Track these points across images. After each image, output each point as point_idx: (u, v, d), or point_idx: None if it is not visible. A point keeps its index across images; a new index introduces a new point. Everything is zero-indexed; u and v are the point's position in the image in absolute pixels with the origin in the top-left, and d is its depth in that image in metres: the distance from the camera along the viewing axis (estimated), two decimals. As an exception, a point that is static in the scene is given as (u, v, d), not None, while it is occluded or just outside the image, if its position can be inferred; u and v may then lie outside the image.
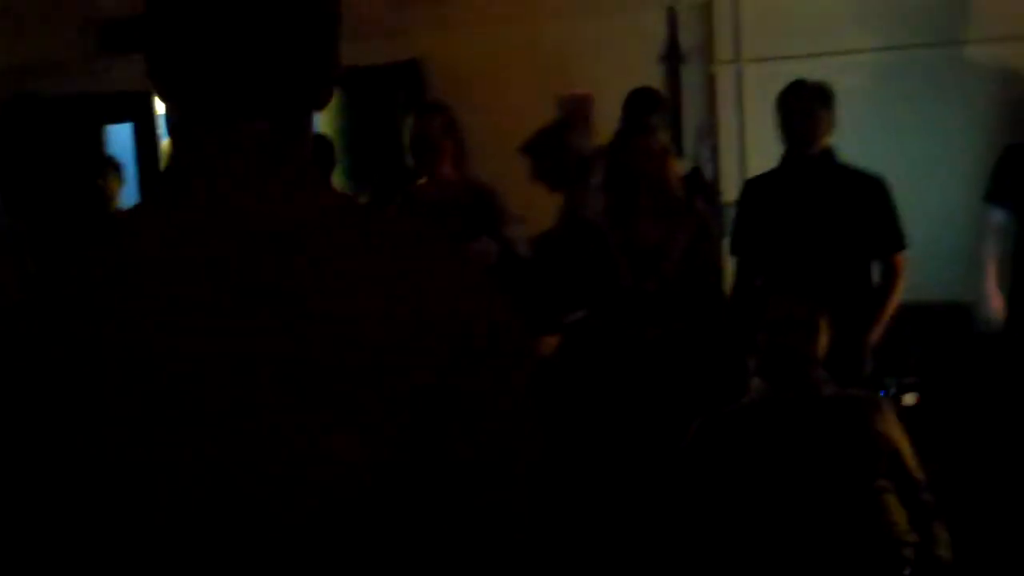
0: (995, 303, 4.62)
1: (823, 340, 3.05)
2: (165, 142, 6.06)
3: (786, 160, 4.09)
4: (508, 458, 1.01)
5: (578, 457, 3.75)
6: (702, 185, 5.20)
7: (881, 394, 3.73)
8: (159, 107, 6.05)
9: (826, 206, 3.95)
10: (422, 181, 4.34)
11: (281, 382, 0.96)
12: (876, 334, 3.95)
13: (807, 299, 3.12)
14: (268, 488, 0.97)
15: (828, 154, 4.04)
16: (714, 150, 5.80)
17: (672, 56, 5.86)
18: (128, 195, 5.86)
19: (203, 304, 0.99)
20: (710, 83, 5.85)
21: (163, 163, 5.86)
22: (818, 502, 2.76)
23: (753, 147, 5.66)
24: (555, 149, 4.07)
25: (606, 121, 5.39)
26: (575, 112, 5.80)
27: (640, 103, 4.75)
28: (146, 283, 1.00)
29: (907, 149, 5.29)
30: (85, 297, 1.03)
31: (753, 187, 4.21)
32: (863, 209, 3.97)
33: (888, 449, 2.86)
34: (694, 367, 3.78)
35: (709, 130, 5.85)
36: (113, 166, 5.69)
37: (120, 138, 6.15)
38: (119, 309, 1.00)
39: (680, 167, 4.93)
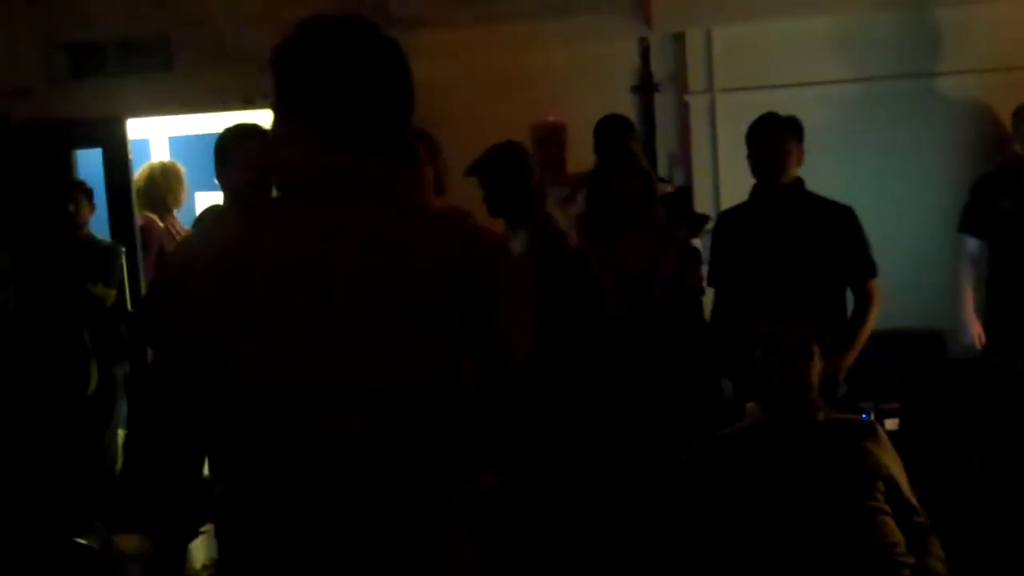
0: (974, 329, 4.68)
1: (817, 365, 3.06)
2: (145, 165, 6.05)
3: (757, 192, 4.14)
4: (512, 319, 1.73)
5: (569, 477, 3.75)
6: (687, 207, 5.22)
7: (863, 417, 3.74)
8: (129, 132, 6.01)
9: (797, 235, 3.99)
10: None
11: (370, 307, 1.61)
12: (849, 358, 3.97)
13: (803, 323, 3.13)
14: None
15: (798, 185, 4.09)
16: (688, 178, 5.82)
17: (645, 86, 5.90)
18: (98, 220, 5.80)
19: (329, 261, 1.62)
20: (683, 112, 5.89)
21: (143, 185, 5.84)
22: (815, 525, 2.76)
23: (726, 175, 5.70)
24: (508, 173, 4.01)
25: (579, 150, 5.44)
26: (548, 140, 5.85)
27: (612, 129, 4.77)
28: (299, 248, 1.62)
29: (880, 179, 5.36)
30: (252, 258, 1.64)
31: (726, 219, 4.27)
32: (833, 237, 4.01)
33: (883, 474, 2.86)
34: (677, 394, 3.78)
35: (682, 159, 5.88)
36: (83, 191, 5.62)
37: (89, 163, 6.08)
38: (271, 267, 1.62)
39: (665, 187, 4.96)
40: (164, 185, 5.96)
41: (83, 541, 5.10)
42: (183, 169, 6.22)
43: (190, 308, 1.66)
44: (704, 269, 4.12)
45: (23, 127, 5.74)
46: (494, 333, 1.70)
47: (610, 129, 4.77)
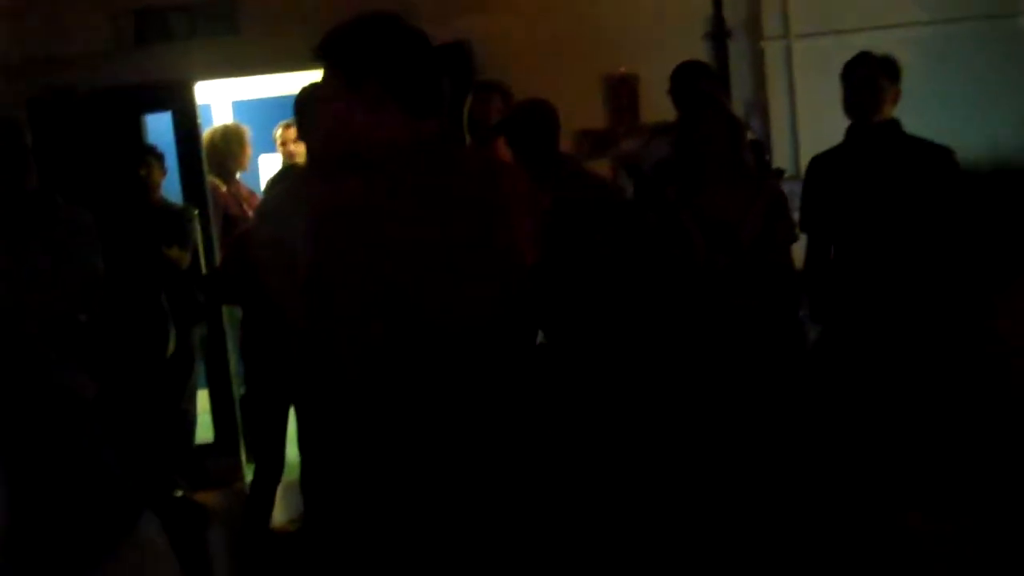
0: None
1: None
2: (207, 130, 6.05)
3: (851, 133, 4.00)
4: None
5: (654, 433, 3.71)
6: (760, 160, 5.09)
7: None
8: (199, 95, 5.99)
9: (895, 177, 3.85)
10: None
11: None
12: None
13: None
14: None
15: (893, 125, 3.95)
16: (765, 126, 5.70)
17: (718, 33, 5.76)
18: (170, 184, 5.80)
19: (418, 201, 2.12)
20: (758, 60, 5.75)
21: (205, 150, 5.84)
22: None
23: (805, 124, 5.58)
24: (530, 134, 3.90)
25: (651, 100, 5.33)
26: (620, 91, 5.75)
27: (690, 76, 4.64)
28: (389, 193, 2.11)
29: (966, 125, 5.18)
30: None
31: (819, 163, 4.11)
32: (932, 180, 3.87)
33: None
34: (763, 343, 3.71)
35: (758, 108, 5.75)
36: (155, 155, 5.62)
37: (158, 128, 6.07)
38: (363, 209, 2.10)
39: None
40: (226, 149, 5.94)
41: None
42: (247, 131, 6.21)
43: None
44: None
45: (91, 94, 5.73)
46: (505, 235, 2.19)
47: (688, 76, 4.65)
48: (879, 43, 4.94)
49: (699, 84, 4.45)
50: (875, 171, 3.88)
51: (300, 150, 5.34)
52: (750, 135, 5.18)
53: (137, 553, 1.08)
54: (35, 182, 3.89)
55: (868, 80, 3.92)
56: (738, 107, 5.70)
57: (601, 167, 5.12)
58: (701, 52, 5.66)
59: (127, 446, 4.89)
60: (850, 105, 3.97)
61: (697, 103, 3.88)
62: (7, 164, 3.70)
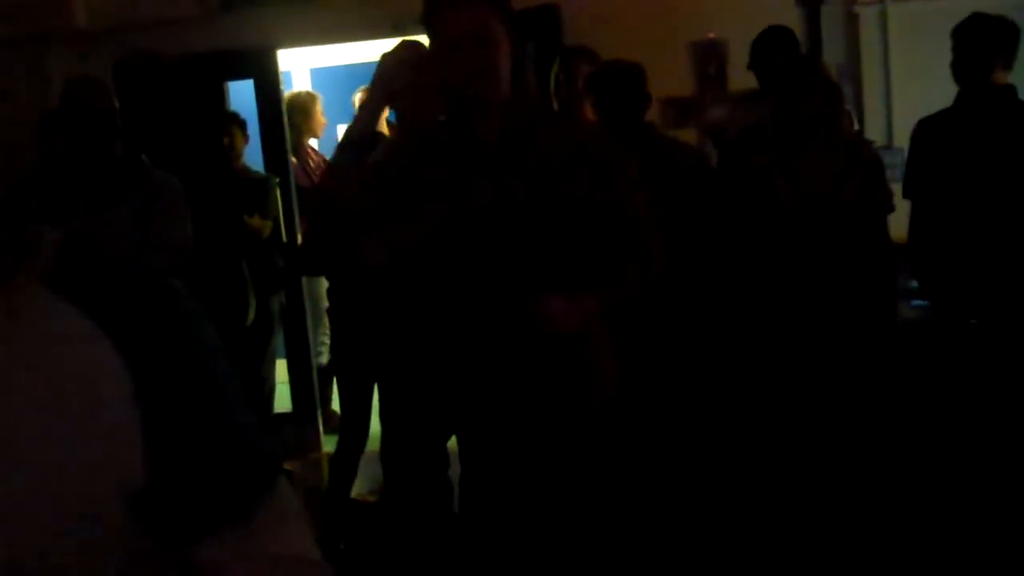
0: None
1: None
2: (287, 94, 6.03)
3: (961, 98, 3.81)
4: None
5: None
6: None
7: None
8: (282, 63, 5.96)
9: (1008, 144, 3.66)
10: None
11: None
12: None
13: None
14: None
15: (1008, 91, 3.75)
16: (858, 93, 5.51)
17: (810, -3, 5.57)
18: (251, 151, 5.80)
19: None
20: (852, 25, 5.56)
21: (285, 117, 5.82)
22: None
23: (899, 92, 5.40)
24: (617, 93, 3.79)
25: (741, 67, 5.16)
26: (708, 57, 5.59)
27: (772, 44, 4.47)
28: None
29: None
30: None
31: (926, 127, 3.91)
32: None
33: None
34: (857, 314, 3.60)
35: (851, 74, 5.56)
36: (238, 123, 5.62)
37: (241, 95, 6.07)
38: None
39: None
40: (298, 113, 5.93)
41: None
42: (318, 98, 6.19)
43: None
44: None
45: (176, 60, 5.74)
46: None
47: (769, 44, 4.48)
48: (979, 9, 4.76)
49: (790, 50, 4.29)
50: (989, 138, 3.69)
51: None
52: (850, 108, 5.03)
53: (278, 511, 1.06)
54: (121, 147, 3.90)
55: (980, 42, 3.72)
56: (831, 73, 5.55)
57: (687, 135, 5.01)
58: (792, 17, 5.47)
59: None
60: (960, 69, 3.77)
61: (795, 68, 3.73)
62: (95, 126, 3.71)
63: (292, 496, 1.11)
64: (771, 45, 4.44)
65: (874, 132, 5.47)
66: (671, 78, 5.50)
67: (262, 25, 5.82)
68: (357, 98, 6.09)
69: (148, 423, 0.97)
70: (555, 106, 4.17)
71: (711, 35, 5.53)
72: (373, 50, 4.29)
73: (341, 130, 6.85)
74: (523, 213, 2.27)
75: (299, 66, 7.52)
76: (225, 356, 1.10)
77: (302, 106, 6.00)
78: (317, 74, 7.68)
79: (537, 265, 2.25)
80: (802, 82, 3.62)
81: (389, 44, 3.76)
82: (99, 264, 1.01)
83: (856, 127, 4.55)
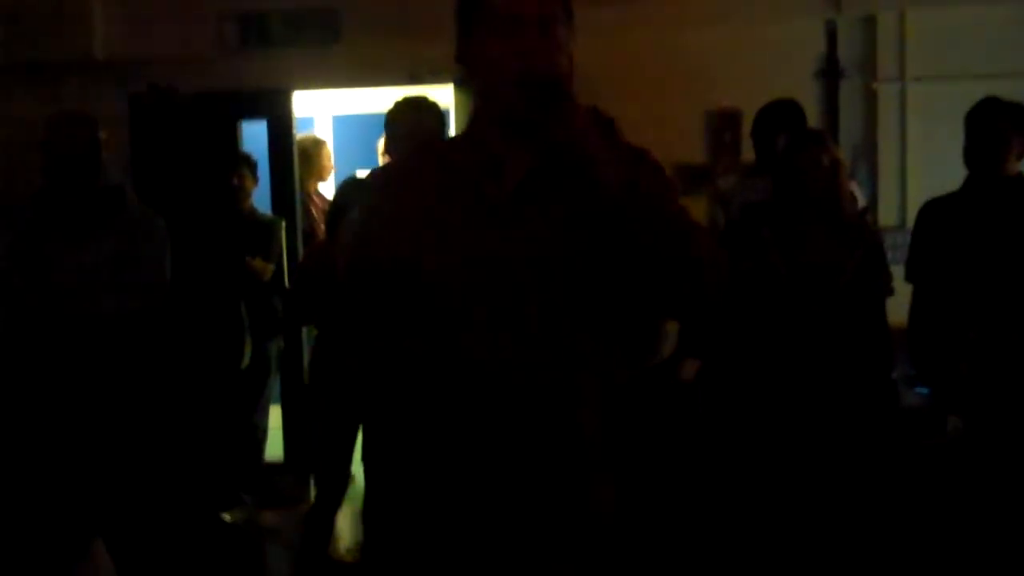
0: None
1: None
2: (300, 136, 6.02)
3: (971, 183, 3.73)
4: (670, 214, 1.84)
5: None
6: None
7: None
8: (296, 108, 5.95)
9: (1013, 234, 3.58)
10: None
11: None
12: None
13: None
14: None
15: (1018, 180, 3.67)
16: (873, 172, 5.46)
17: (831, 71, 5.54)
18: (261, 193, 5.77)
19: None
20: (871, 101, 5.51)
21: (298, 158, 5.81)
22: None
23: (915, 170, 5.35)
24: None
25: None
26: (723, 127, 5.56)
27: (775, 117, 4.40)
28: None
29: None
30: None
31: (933, 210, 3.82)
32: None
33: None
34: (852, 397, 3.52)
35: (868, 150, 5.51)
36: (248, 164, 5.60)
37: (254, 134, 6.06)
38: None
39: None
40: (303, 157, 5.93)
41: (228, 517, 5.13)
42: (325, 142, 6.19)
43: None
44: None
45: (191, 97, 5.73)
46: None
47: (772, 117, 4.39)
48: (999, 91, 4.70)
49: (795, 124, 4.23)
50: (997, 227, 3.60)
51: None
52: (855, 185, 4.97)
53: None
54: (112, 178, 3.91)
55: (993, 129, 3.64)
56: (847, 150, 5.49)
57: (698, 203, 4.95)
58: (811, 90, 5.46)
59: (192, 459, 4.86)
60: (971, 154, 3.69)
61: (798, 143, 3.67)
62: (79, 158, 3.71)
63: (105, 559, 1.08)
64: (773, 119, 4.37)
65: (887, 212, 5.41)
66: (685, 145, 5.47)
67: (278, 66, 5.82)
68: (380, 144, 6.08)
69: None
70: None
71: (727, 104, 5.49)
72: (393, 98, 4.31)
73: (362, 175, 6.91)
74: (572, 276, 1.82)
75: (322, 113, 7.53)
76: None
77: (307, 150, 5.99)
78: (339, 121, 7.69)
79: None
80: (804, 158, 3.56)
81: (407, 92, 3.80)
82: None
83: (862, 205, 4.49)
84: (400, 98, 3.68)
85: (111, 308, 3.61)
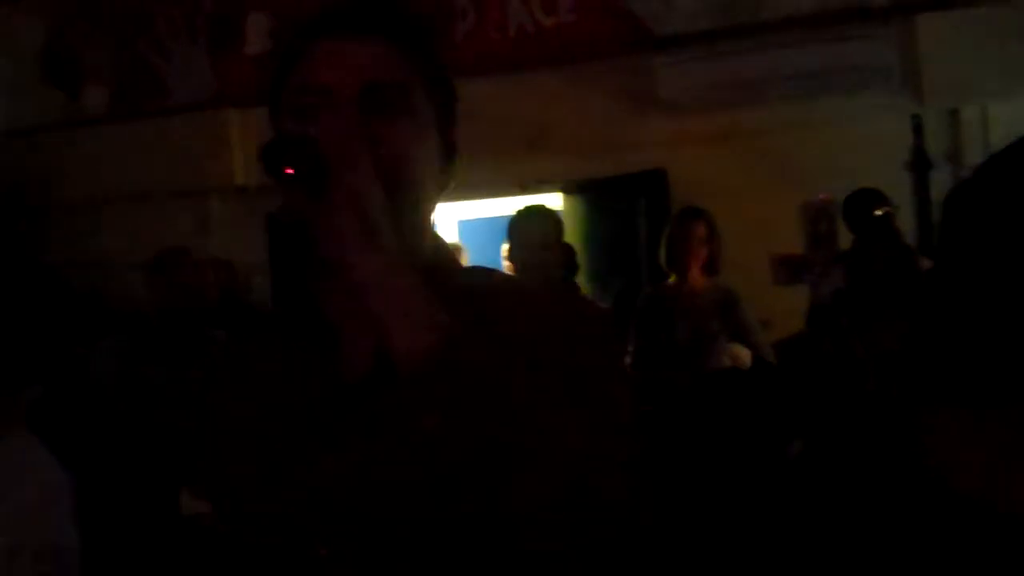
0: None
1: None
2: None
3: None
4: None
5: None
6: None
7: None
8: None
9: None
10: (671, 281, 4.44)
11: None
12: None
13: None
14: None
15: None
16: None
17: (919, 163, 5.78)
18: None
19: None
20: (960, 190, 5.71)
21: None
22: None
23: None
24: None
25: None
26: (818, 218, 5.82)
27: (861, 203, 4.65)
28: None
29: None
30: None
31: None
32: None
33: None
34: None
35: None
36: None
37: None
38: None
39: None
40: None
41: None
42: (462, 250, 6.54)
43: None
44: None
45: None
46: None
47: (859, 203, 4.68)
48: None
49: (873, 210, 4.48)
50: None
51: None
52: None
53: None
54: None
55: None
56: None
57: (797, 293, 5.19)
58: (902, 181, 5.70)
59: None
60: None
61: (869, 231, 3.91)
62: (181, 292, 4.09)
63: None
64: (858, 205, 4.64)
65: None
66: (781, 237, 5.75)
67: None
68: (504, 249, 6.46)
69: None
70: (666, 268, 4.44)
71: (823, 196, 5.76)
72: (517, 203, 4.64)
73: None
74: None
75: (445, 217, 7.88)
76: None
77: None
78: (465, 225, 8.06)
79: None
80: (877, 245, 3.79)
81: (520, 201, 4.11)
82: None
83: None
84: (521, 207, 4.00)
85: None
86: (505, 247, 6.32)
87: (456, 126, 1.30)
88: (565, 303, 1.22)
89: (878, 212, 4.42)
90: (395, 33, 1.21)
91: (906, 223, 5.01)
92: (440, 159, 1.26)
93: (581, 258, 5.60)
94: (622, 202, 6.14)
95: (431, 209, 1.25)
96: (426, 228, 1.26)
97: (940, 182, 5.76)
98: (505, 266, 6.18)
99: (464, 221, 8.00)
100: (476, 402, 1.01)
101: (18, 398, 1.41)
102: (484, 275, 1.32)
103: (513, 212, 3.96)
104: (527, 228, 3.83)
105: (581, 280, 5.61)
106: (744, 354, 4.11)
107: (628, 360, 4.37)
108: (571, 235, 6.11)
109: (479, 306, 1.15)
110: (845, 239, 5.59)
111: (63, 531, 1.19)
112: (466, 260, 6.46)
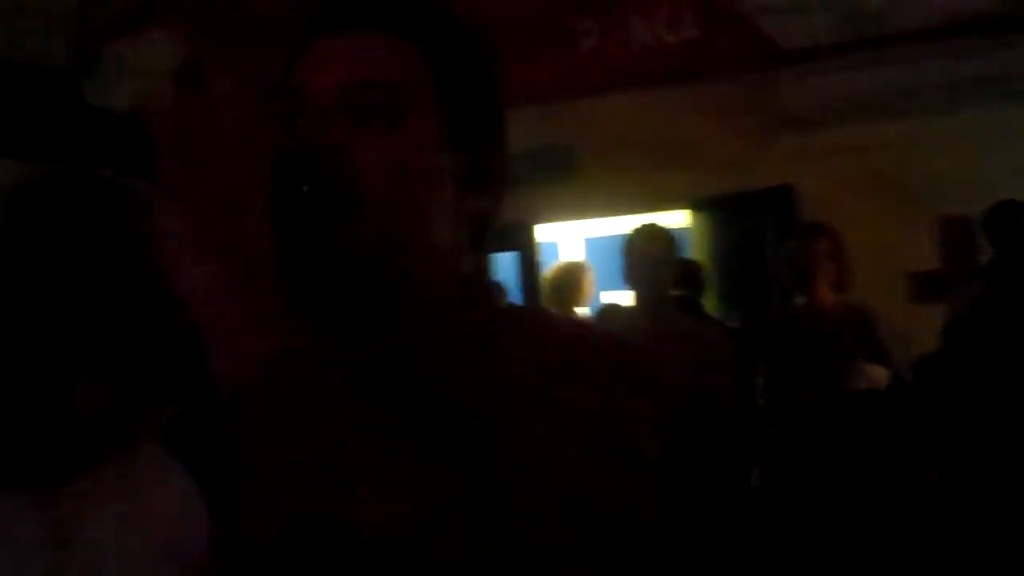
0: None
1: None
2: (565, 262, 6.44)
3: None
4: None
5: None
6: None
7: None
8: (542, 234, 6.39)
9: None
10: (800, 302, 4.33)
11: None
12: None
13: None
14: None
15: None
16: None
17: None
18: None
19: None
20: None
21: (548, 285, 6.23)
22: None
23: None
24: None
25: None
26: (955, 233, 5.63)
27: (1004, 216, 4.49)
28: None
29: None
30: None
31: None
32: None
33: None
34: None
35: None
36: (498, 290, 6.04)
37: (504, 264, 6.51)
38: None
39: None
40: (566, 284, 6.27)
41: None
42: (587, 267, 6.52)
43: None
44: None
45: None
46: None
47: (1002, 216, 4.50)
48: None
49: (1016, 222, 4.31)
50: None
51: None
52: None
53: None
54: None
55: None
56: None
57: (935, 312, 5.03)
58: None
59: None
60: None
61: (1014, 242, 3.78)
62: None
63: None
64: (1001, 218, 4.48)
65: None
66: (915, 253, 5.58)
67: (518, 202, 6.28)
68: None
69: None
70: (787, 282, 4.35)
71: (958, 211, 5.58)
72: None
73: (603, 298, 7.25)
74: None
75: (570, 236, 7.91)
76: None
77: (569, 276, 6.31)
78: (591, 243, 8.06)
79: None
80: (1019, 258, 3.66)
81: (647, 219, 4.10)
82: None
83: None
84: (634, 227, 3.98)
85: None
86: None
87: (496, 140, 1.10)
88: (602, 346, 1.06)
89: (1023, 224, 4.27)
90: (400, 26, 1.02)
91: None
92: (460, 181, 1.06)
93: (709, 276, 5.54)
94: (750, 219, 6.05)
95: (444, 238, 1.04)
96: (437, 260, 1.04)
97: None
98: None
99: (591, 239, 7.99)
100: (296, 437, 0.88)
101: (157, 415, 1.44)
102: (525, 315, 1.16)
103: (627, 232, 3.95)
104: (640, 247, 3.82)
105: (709, 298, 5.54)
106: (880, 374, 3.98)
107: (760, 382, 4.29)
108: (699, 252, 6.05)
109: (492, 346, 1.01)
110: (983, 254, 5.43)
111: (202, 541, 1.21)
112: (592, 277, 6.43)
